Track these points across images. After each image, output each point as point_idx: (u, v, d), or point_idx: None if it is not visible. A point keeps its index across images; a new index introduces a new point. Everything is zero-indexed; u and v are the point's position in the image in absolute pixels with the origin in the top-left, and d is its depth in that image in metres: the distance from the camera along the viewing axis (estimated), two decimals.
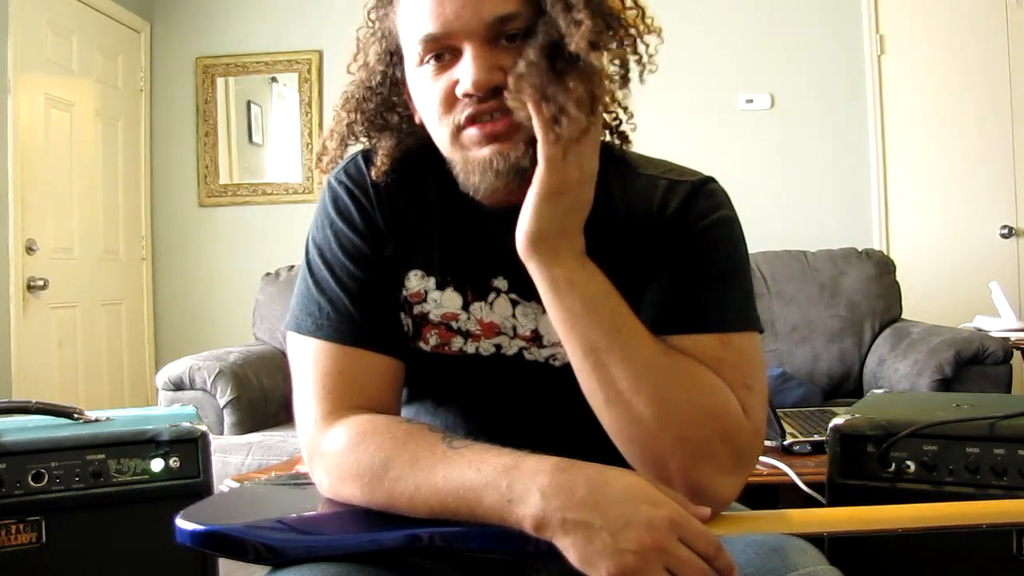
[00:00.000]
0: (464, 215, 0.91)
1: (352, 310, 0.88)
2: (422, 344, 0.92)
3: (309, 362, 0.88)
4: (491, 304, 0.91)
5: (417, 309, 0.92)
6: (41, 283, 3.19)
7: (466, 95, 0.80)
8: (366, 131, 0.93)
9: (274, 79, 3.94)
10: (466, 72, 0.80)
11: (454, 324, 0.91)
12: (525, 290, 0.89)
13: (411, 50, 0.84)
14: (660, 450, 0.79)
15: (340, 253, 0.90)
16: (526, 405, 0.93)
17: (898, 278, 3.12)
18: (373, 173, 0.91)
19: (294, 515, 0.84)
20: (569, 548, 0.72)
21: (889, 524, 0.80)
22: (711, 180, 0.95)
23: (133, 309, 3.87)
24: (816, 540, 0.87)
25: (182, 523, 0.80)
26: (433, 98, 0.84)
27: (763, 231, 3.50)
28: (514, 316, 0.91)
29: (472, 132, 0.82)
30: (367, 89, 0.91)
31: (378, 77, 0.90)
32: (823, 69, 3.64)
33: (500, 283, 0.91)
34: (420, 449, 0.79)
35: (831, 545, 1.11)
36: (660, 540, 0.69)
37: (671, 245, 0.88)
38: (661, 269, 0.87)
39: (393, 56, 0.89)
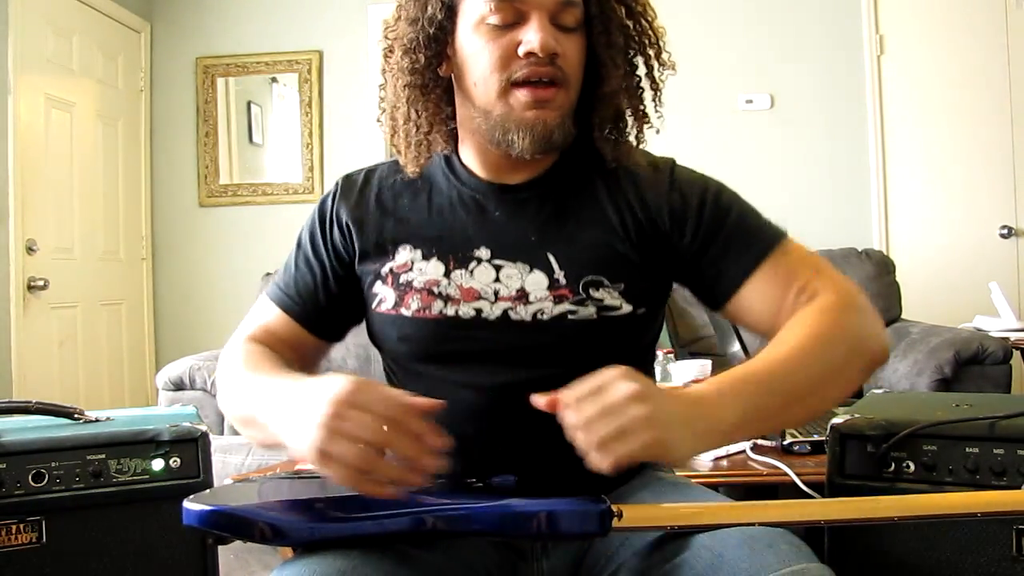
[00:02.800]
0: (452, 192, 1.04)
1: (298, 289, 1.08)
2: (403, 310, 1.00)
3: (256, 310, 1.11)
4: (471, 272, 0.99)
5: (403, 278, 1.01)
6: (41, 283, 3.19)
7: (530, 54, 0.91)
8: (422, 88, 0.99)
9: (274, 79, 3.94)
10: (534, 36, 0.91)
11: (435, 289, 0.99)
12: (509, 254, 0.99)
13: (477, 6, 0.94)
14: (847, 387, 0.94)
15: (307, 245, 1.09)
16: (516, 361, 0.97)
17: (898, 278, 3.12)
18: (411, 165, 1.03)
19: (299, 499, 0.86)
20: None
21: (876, 513, 0.83)
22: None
23: (133, 309, 3.88)
24: (814, 539, 0.87)
25: (190, 505, 0.82)
26: (491, 53, 0.94)
27: None
28: (497, 280, 0.98)
29: (524, 93, 0.93)
30: (426, 37, 0.96)
31: (434, 27, 0.96)
32: (823, 69, 3.64)
33: (482, 252, 0.99)
34: (262, 363, 0.99)
35: (830, 544, 1.11)
36: (332, 411, 0.79)
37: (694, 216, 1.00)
38: (701, 238, 1.00)
39: (451, 10, 0.97)
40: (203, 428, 1.30)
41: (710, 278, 1.00)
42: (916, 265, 3.42)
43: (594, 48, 0.97)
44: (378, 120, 1.07)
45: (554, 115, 0.94)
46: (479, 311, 0.98)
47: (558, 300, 0.97)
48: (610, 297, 0.97)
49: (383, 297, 1.02)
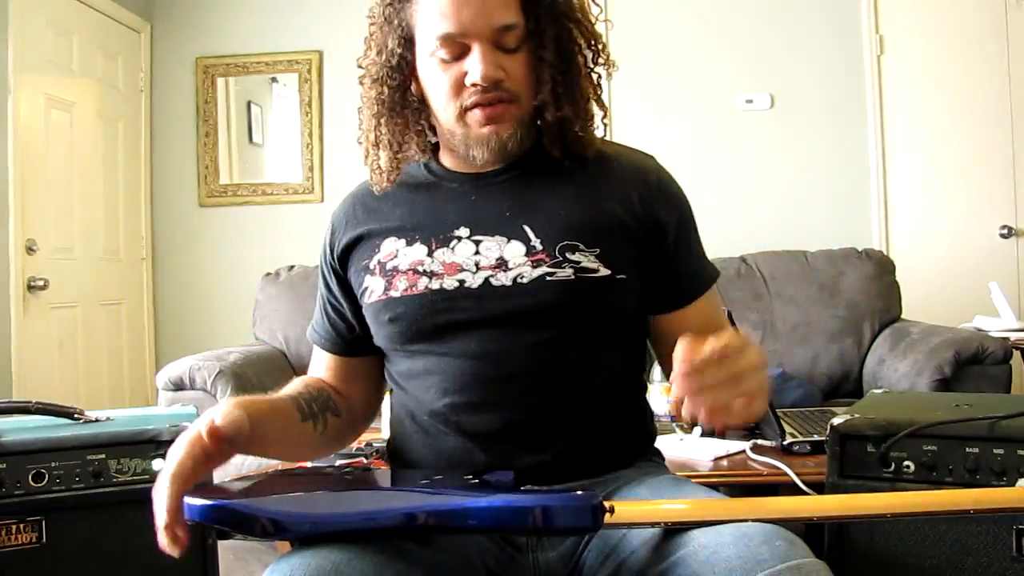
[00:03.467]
0: (432, 187, 1.13)
1: (326, 327, 1.19)
2: (392, 292, 1.07)
3: (313, 355, 1.23)
4: (453, 249, 1.06)
5: (390, 265, 1.09)
6: (41, 283, 3.19)
7: (474, 84, 1.01)
8: (390, 113, 1.10)
9: (274, 79, 3.94)
10: (476, 67, 1.01)
11: (420, 268, 1.06)
12: (488, 230, 1.06)
13: (427, 42, 1.04)
14: None
15: (320, 281, 1.20)
16: (504, 326, 1.03)
17: (898, 278, 3.12)
18: (384, 182, 1.13)
19: (298, 494, 0.88)
20: None
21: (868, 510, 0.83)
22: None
23: (133, 309, 3.87)
24: (813, 538, 0.87)
25: (191, 500, 0.83)
26: (444, 83, 1.04)
27: (763, 231, 3.51)
28: (477, 253, 1.05)
29: (476, 113, 1.04)
30: (388, 69, 1.08)
31: (396, 59, 1.07)
32: (823, 69, 3.64)
33: (462, 231, 1.07)
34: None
35: (830, 544, 1.11)
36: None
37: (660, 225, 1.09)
38: (671, 254, 1.09)
39: (408, 43, 1.07)
40: None
41: (654, 285, 1.09)
42: (916, 265, 3.42)
43: (533, 64, 1.05)
44: (358, 141, 1.15)
45: (507, 128, 1.04)
46: (462, 282, 1.04)
47: (536, 264, 1.03)
48: (587, 260, 1.03)
49: (372, 288, 1.09)
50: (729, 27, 3.68)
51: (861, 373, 2.96)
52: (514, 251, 1.04)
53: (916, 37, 3.60)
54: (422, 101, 1.10)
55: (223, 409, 0.89)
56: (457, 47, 1.02)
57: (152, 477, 1.24)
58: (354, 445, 1.74)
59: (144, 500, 1.22)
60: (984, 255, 3.47)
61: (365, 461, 1.67)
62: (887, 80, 3.60)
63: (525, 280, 1.02)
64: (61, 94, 3.40)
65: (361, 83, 1.12)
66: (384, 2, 1.09)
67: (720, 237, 3.40)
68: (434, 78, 1.05)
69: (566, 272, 1.02)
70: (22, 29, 3.13)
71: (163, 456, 1.25)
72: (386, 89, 1.08)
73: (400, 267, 1.07)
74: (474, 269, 1.04)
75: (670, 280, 1.10)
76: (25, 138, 3.15)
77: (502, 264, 1.03)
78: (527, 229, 1.05)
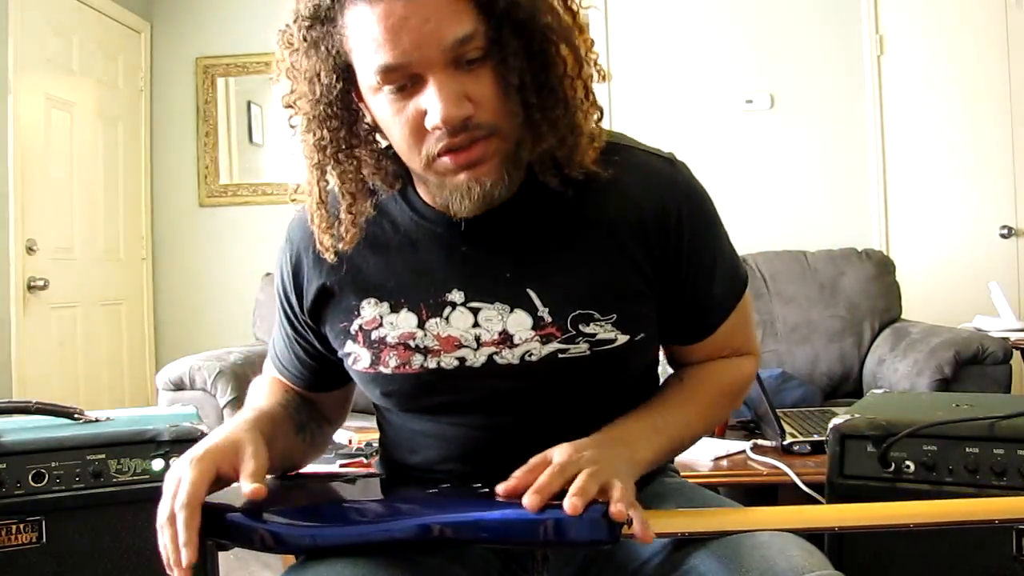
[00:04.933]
0: (412, 229, 0.93)
1: (288, 358, 1.05)
2: (382, 368, 0.93)
3: (267, 364, 1.12)
4: (447, 319, 0.91)
5: (375, 335, 0.93)
6: (41, 283, 3.19)
7: (436, 128, 0.79)
8: (335, 160, 0.87)
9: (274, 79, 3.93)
10: (434, 106, 0.78)
11: (411, 343, 0.92)
12: (486, 295, 0.90)
13: (367, 76, 0.81)
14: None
15: (280, 309, 1.03)
16: (510, 405, 0.93)
17: (898, 278, 3.12)
18: (341, 244, 0.90)
19: (300, 504, 0.85)
20: None
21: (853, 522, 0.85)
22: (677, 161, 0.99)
23: (133, 309, 3.87)
24: (813, 539, 0.87)
25: None
26: (400, 128, 0.82)
27: (763, 231, 3.51)
28: (476, 325, 0.90)
29: (446, 161, 0.82)
30: (326, 107, 0.85)
31: (334, 94, 0.84)
32: (823, 69, 3.64)
33: (455, 296, 0.91)
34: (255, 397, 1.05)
35: (830, 544, 1.11)
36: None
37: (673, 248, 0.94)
38: (684, 278, 0.95)
39: (347, 72, 0.84)
40: (203, 428, 1.30)
41: (669, 319, 0.97)
42: (916, 265, 3.42)
43: (504, 78, 0.82)
44: (290, 198, 0.94)
45: (488, 170, 0.83)
46: (462, 359, 0.91)
47: (546, 340, 0.89)
48: (603, 331, 0.90)
49: (357, 356, 0.95)
50: (729, 27, 3.68)
51: (861, 373, 2.96)
52: (519, 323, 0.89)
53: (916, 37, 3.59)
54: (377, 130, 0.88)
55: (247, 441, 0.83)
56: (405, 78, 0.79)
57: (152, 477, 1.24)
58: (354, 445, 1.74)
59: (144, 500, 1.23)
60: (984, 255, 3.47)
61: (365, 461, 1.67)
62: (887, 80, 3.59)
63: (534, 359, 0.90)
64: (61, 94, 3.39)
65: (291, 126, 0.91)
66: (301, 25, 0.87)
67: None
68: (386, 118, 0.83)
69: (580, 348, 0.89)
70: (22, 29, 3.13)
71: (163, 456, 1.25)
72: (326, 132, 0.85)
73: (388, 339, 0.92)
74: (475, 345, 0.90)
75: (690, 313, 0.97)
76: (25, 138, 3.15)
77: (507, 339, 0.90)
78: (532, 295, 0.89)
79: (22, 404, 1.37)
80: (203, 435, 1.28)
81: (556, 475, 0.79)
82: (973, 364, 2.46)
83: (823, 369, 2.98)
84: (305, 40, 0.86)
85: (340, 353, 0.97)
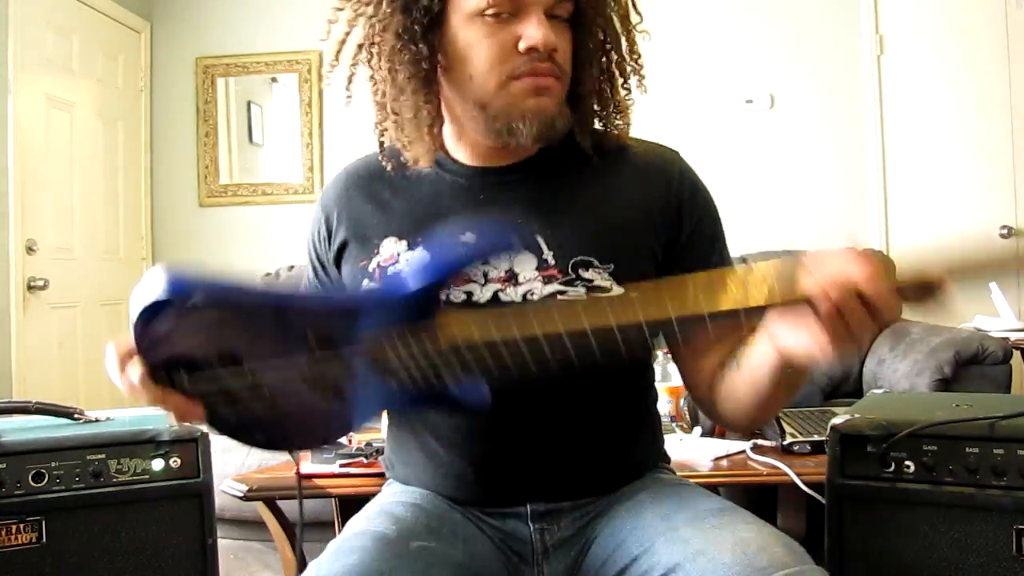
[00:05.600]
0: (437, 180, 1.04)
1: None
2: None
3: None
4: None
5: (391, 271, 1.00)
6: (41, 283, 3.19)
7: (532, 49, 0.92)
8: (426, 79, 0.96)
9: (274, 79, 3.94)
10: (535, 32, 0.91)
11: None
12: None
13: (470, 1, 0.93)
14: None
15: (310, 252, 1.11)
16: None
17: None
18: (424, 157, 1.01)
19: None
20: None
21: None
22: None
23: None
24: (812, 538, 0.87)
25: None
26: (489, 48, 0.93)
27: (763, 231, 3.51)
28: (486, 263, 0.97)
29: (525, 83, 0.93)
30: (421, 27, 0.93)
31: (427, 17, 0.93)
32: (823, 69, 3.64)
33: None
34: None
35: (830, 544, 1.11)
36: None
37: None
38: (690, 248, 1.01)
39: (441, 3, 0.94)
40: (203, 428, 1.30)
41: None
42: None
43: (577, 43, 0.98)
44: (377, 124, 1.04)
45: (554, 103, 0.95)
46: (470, 294, 0.97)
47: (547, 280, 0.96)
48: (600, 278, 0.96)
49: None
50: (729, 27, 3.68)
51: (861, 373, 2.96)
52: (525, 263, 0.97)
53: (916, 37, 3.59)
54: (442, 72, 0.97)
55: None
56: (510, 5, 0.92)
57: (152, 477, 1.24)
58: (354, 445, 1.74)
59: (144, 500, 1.24)
60: None
61: (365, 461, 1.67)
62: (887, 80, 3.59)
63: (535, 297, 0.96)
64: (61, 94, 3.40)
65: (374, 45, 0.98)
66: None
67: None
68: (476, 41, 0.93)
69: (578, 291, 0.96)
70: (22, 29, 3.13)
71: (163, 456, 1.26)
72: (424, 48, 0.94)
73: (403, 273, 1.00)
74: (482, 281, 0.97)
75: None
76: (25, 138, 3.15)
77: (512, 278, 0.97)
78: (540, 240, 0.97)
79: (22, 404, 1.37)
80: (203, 435, 1.29)
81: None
82: (973, 364, 2.47)
83: (823, 369, 2.98)
84: None
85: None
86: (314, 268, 1.12)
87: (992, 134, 3.50)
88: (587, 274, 0.96)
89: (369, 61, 1.00)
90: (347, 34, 1.03)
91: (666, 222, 1.01)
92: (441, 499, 1.02)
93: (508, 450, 0.99)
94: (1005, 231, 3.49)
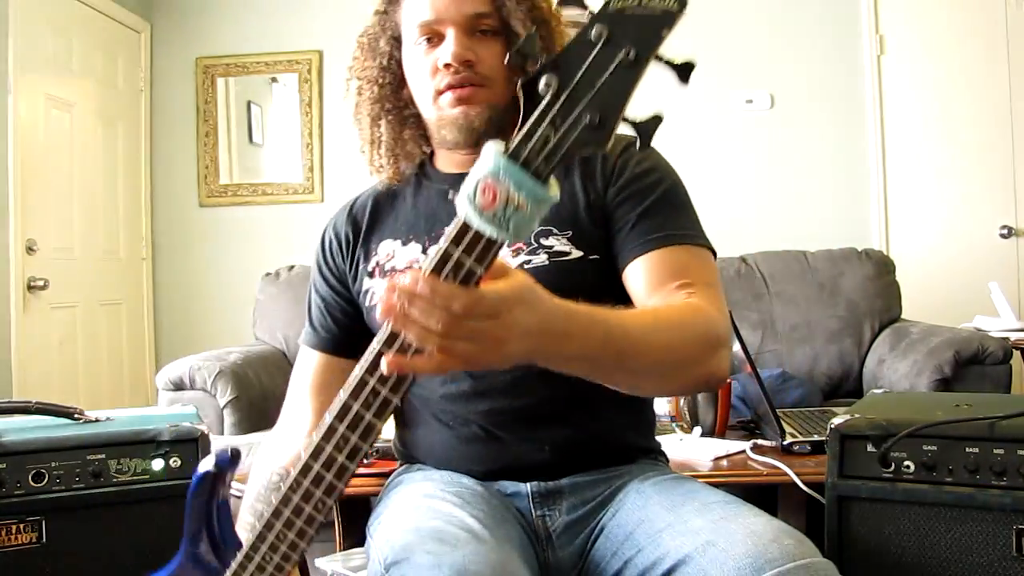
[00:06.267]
0: (423, 189, 1.19)
1: (317, 322, 1.22)
2: None
3: (297, 362, 1.26)
4: None
5: (388, 265, 1.14)
6: (41, 283, 3.19)
7: (446, 66, 1.07)
8: (385, 112, 1.16)
9: (274, 79, 3.94)
10: (447, 49, 1.07)
11: (415, 265, 1.11)
12: None
13: (410, 33, 1.11)
14: (677, 383, 0.99)
15: (315, 276, 1.24)
16: None
17: (898, 278, 3.12)
18: (385, 177, 1.19)
19: None
20: None
21: None
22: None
23: (133, 309, 3.87)
24: (813, 537, 0.87)
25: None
26: (423, 68, 1.10)
27: (763, 231, 3.51)
28: None
29: (448, 95, 1.08)
30: (381, 70, 1.15)
31: (387, 60, 1.15)
32: (823, 69, 3.64)
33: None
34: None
35: (830, 544, 1.11)
36: None
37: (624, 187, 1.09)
38: (621, 200, 1.08)
39: (397, 42, 1.15)
40: (203, 428, 1.30)
41: (618, 243, 1.07)
42: (916, 265, 3.42)
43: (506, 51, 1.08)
44: (361, 151, 1.20)
45: (476, 108, 1.08)
46: None
47: (516, 253, 1.07)
48: (559, 244, 1.06)
49: (373, 290, 1.15)
50: (729, 27, 3.68)
51: (861, 373, 2.96)
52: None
53: (916, 37, 3.59)
54: (413, 103, 1.15)
55: None
56: (434, 34, 1.08)
57: (152, 477, 1.24)
58: None
59: (144, 500, 1.24)
60: (984, 255, 3.47)
61: (366, 461, 1.67)
62: (887, 80, 3.59)
63: (529, 267, 1.05)
64: (61, 94, 3.40)
65: (359, 93, 1.18)
66: (377, 12, 1.17)
67: (720, 237, 3.38)
68: (415, 65, 1.12)
69: (541, 258, 1.06)
70: (22, 29, 3.13)
71: (163, 456, 1.26)
72: (377, 88, 1.15)
73: (398, 266, 1.13)
74: None
75: (628, 232, 1.06)
76: (25, 138, 3.15)
77: None
78: None
79: (22, 404, 1.37)
80: (203, 435, 1.29)
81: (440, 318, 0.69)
82: (973, 364, 2.46)
83: (823, 369, 2.98)
84: (377, 24, 1.16)
85: (361, 295, 1.17)
86: (324, 279, 1.23)
87: (992, 134, 3.50)
88: (547, 241, 1.07)
89: (357, 107, 1.19)
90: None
91: (597, 187, 1.10)
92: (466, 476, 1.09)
93: (492, 420, 1.06)
94: (1005, 231, 3.49)
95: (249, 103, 3.98)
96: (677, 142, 3.88)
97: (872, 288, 3.05)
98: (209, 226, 3.97)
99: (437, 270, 0.68)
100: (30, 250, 3.17)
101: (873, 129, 3.59)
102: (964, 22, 3.52)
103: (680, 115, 3.65)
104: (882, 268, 3.10)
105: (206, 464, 0.89)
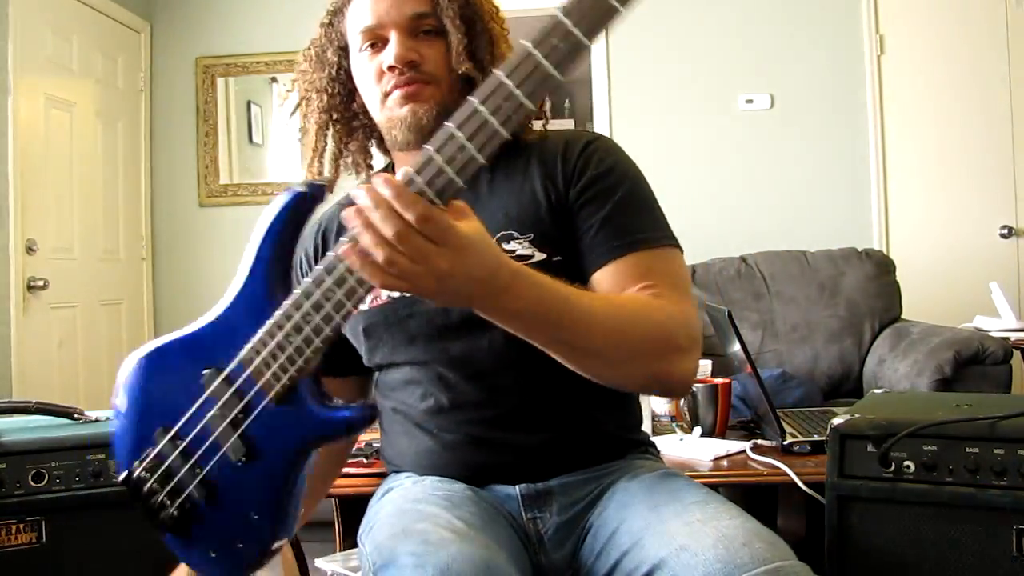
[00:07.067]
0: None
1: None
2: (362, 306, 1.05)
3: None
4: None
5: None
6: (41, 283, 3.19)
7: (390, 68, 1.07)
8: (333, 122, 1.17)
9: (274, 79, 3.94)
10: (391, 52, 1.07)
11: None
12: None
13: (355, 40, 1.11)
14: (626, 373, 0.97)
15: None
16: (461, 326, 1.05)
17: (898, 278, 3.12)
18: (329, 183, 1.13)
19: None
20: None
21: None
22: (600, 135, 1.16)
23: (133, 309, 3.87)
24: (813, 539, 0.87)
25: None
26: (369, 73, 1.10)
27: (763, 231, 3.51)
28: None
29: (395, 95, 1.08)
30: (330, 80, 1.15)
31: (335, 69, 1.15)
32: (823, 69, 3.64)
33: None
34: None
35: (830, 545, 1.11)
36: None
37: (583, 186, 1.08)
38: (583, 202, 1.07)
39: (344, 52, 1.15)
40: None
41: (582, 248, 1.06)
42: (916, 265, 3.42)
43: (448, 50, 1.09)
44: (303, 160, 1.19)
45: (423, 106, 1.07)
46: None
47: None
48: (521, 247, 1.05)
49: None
50: (729, 27, 3.68)
51: (861, 373, 2.96)
52: None
53: (916, 37, 3.60)
54: (365, 113, 1.16)
55: None
56: (377, 38, 1.08)
57: None
58: (353, 446, 1.73)
59: None
60: (984, 255, 3.47)
61: (365, 462, 1.67)
62: (887, 80, 3.60)
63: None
64: (61, 94, 3.39)
65: (307, 103, 1.17)
66: (323, 25, 1.17)
67: (720, 237, 3.41)
68: (362, 72, 1.12)
69: None
70: (22, 29, 3.13)
71: None
72: (326, 98, 1.15)
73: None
74: None
75: (601, 232, 1.05)
76: (25, 138, 3.15)
77: None
78: None
79: (22, 404, 1.37)
80: None
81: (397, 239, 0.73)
82: (973, 364, 2.47)
83: (823, 369, 2.98)
84: (323, 35, 1.16)
85: None
86: None
87: (992, 134, 3.50)
88: (509, 246, 1.05)
89: (304, 118, 1.18)
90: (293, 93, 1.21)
91: (558, 187, 1.08)
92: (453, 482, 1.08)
93: (480, 428, 1.06)
94: (1005, 231, 3.49)
95: (249, 103, 3.98)
96: (677, 142, 3.89)
97: (872, 288, 3.05)
98: (209, 226, 3.97)
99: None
100: (30, 250, 3.16)
101: (873, 129, 3.59)
102: (964, 22, 3.53)
103: (680, 115, 3.66)
104: (882, 268, 3.11)
105: (298, 187, 0.87)
